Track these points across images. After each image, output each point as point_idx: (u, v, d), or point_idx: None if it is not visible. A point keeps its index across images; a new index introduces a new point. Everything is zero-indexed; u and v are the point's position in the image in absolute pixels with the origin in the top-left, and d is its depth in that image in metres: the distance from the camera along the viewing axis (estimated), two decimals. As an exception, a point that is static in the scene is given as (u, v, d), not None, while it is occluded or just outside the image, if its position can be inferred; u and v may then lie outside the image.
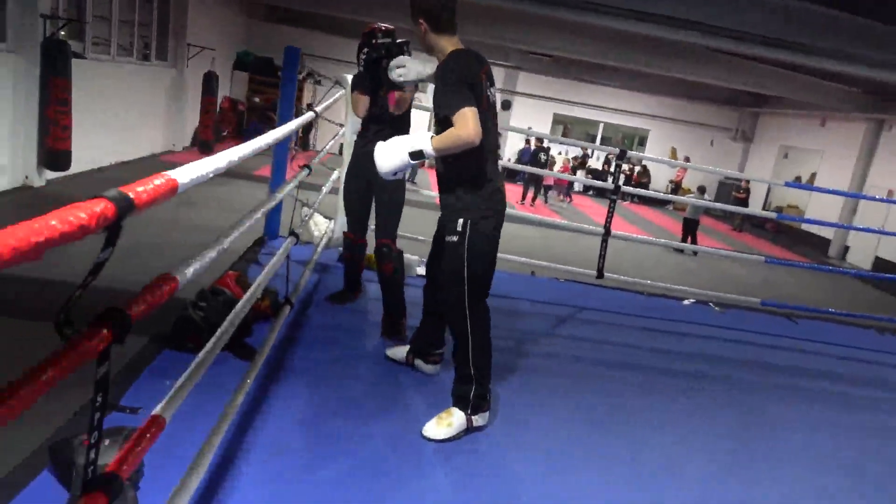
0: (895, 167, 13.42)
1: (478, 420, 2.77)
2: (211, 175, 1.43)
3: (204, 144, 12.92)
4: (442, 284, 2.81)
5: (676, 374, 3.95)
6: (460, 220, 2.62)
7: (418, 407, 2.91)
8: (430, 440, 2.65)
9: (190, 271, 1.39)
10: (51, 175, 8.02)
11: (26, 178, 7.70)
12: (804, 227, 15.54)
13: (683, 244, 6.46)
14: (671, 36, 8.21)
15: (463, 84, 2.47)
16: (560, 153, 17.98)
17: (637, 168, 18.67)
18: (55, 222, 0.81)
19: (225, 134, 14.94)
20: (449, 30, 2.64)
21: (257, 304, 3.29)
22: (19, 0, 7.21)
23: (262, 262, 4.46)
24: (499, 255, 4.95)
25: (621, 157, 4.82)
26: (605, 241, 4.88)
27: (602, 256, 4.90)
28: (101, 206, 0.92)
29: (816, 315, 5.72)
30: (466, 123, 2.42)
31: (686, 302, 5.68)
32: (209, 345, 1.75)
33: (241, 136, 16.20)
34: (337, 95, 4.38)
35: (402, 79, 2.77)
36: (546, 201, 14.96)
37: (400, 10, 11.79)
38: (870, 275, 10.05)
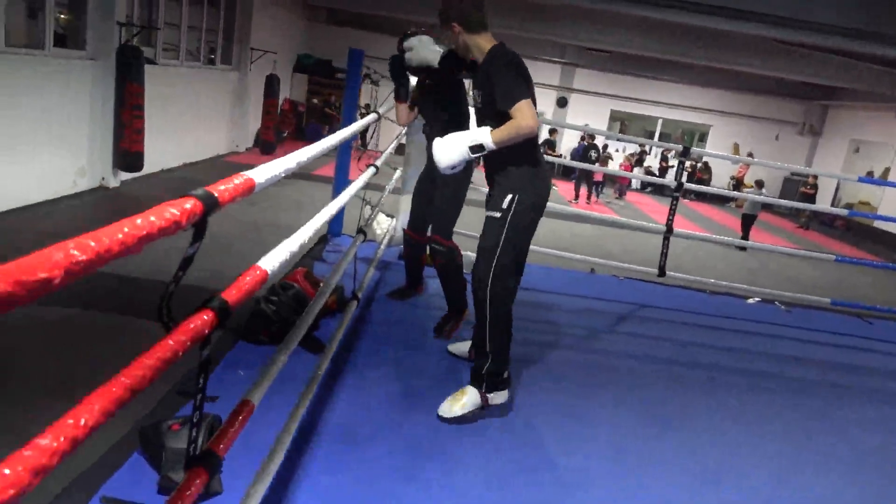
0: (978, 161, 12.70)
1: (494, 398, 2.79)
2: (283, 175, 1.52)
3: (266, 145, 13.31)
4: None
5: (742, 372, 3.88)
6: (508, 197, 2.68)
7: (488, 423, 2.96)
8: (442, 419, 2.70)
9: (276, 263, 1.48)
10: (125, 176, 8.43)
11: (102, 179, 8.11)
12: (876, 224, 14.86)
13: (745, 241, 6.30)
14: (740, 29, 8.02)
15: (518, 76, 2.55)
16: (618, 150, 17.72)
17: (698, 165, 18.22)
18: (153, 218, 0.90)
19: (285, 135, 15.33)
20: (482, 27, 2.71)
21: (324, 299, 3.39)
22: (98, 9, 7.61)
23: (326, 258, 4.60)
24: (558, 252, 4.99)
25: (685, 154, 4.75)
26: (666, 240, 4.82)
27: (664, 255, 4.84)
28: (190, 204, 1.01)
29: (892, 315, 5.49)
30: (525, 114, 2.49)
31: (751, 300, 5.55)
32: (289, 337, 1.84)
33: (301, 136, 16.61)
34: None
35: (409, 62, 3.01)
36: (598, 197, 14.80)
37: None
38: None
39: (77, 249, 0.69)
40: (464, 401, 2.75)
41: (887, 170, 15.42)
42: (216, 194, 1.06)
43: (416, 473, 2.34)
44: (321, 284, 3.41)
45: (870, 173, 15.95)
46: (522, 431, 2.77)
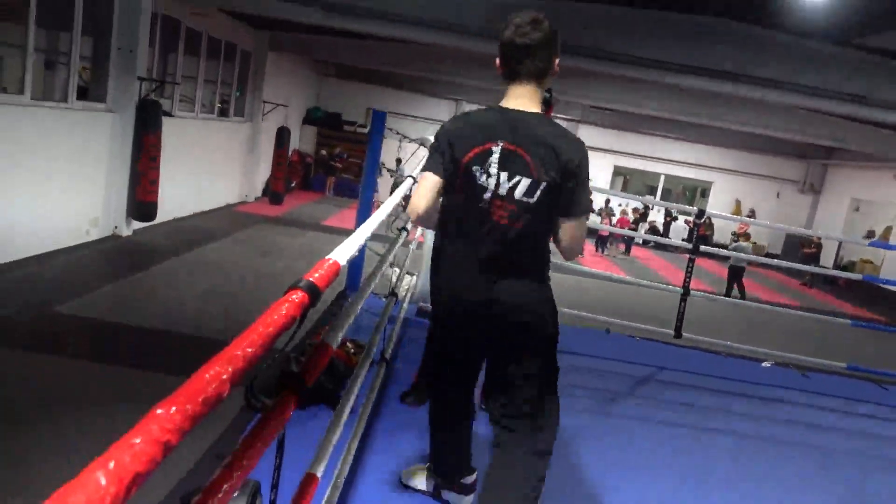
0: (979, 222, 12.84)
1: (450, 497, 2.52)
2: (356, 253, 1.55)
3: (275, 196, 13.45)
4: None
5: (765, 439, 3.85)
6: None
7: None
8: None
9: (339, 336, 1.51)
10: (137, 225, 8.51)
11: (115, 228, 8.18)
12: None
13: (766, 305, 6.35)
14: (741, 93, 8.22)
15: (437, 149, 2.05)
16: (620, 204, 17.93)
17: (703, 221, 18.39)
18: (276, 317, 0.95)
19: (293, 185, 15.51)
20: (506, 78, 2.06)
21: (350, 359, 3.40)
22: (120, 64, 7.81)
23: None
24: (573, 311, 4.99)
25: (700, 216, 4.83)
26: (683, 301, 4.84)
27: (680, 316, 4.85)
28: (298, 296, 1.06)
29: (908, 381, 5.47)
30: (416, 190, 2.06)
31: (765, 363, 5.53)
32: (340, 408, 1.85)
33: (307, 187, 16.82)
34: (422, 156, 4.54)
35: None
36: (603, 252, 14.93)
37: (464, 67, 12.30)
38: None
39: (232, 362, 0.73)
40: (417, 476, 2.59)
41: (888, 228, 15.56)
42: (315, 283, 1.10)
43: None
44: (348, 344, 3.43)
45: (871, 232, 16.10)
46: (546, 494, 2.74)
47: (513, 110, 1.97)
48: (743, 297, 10.96)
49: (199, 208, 10.78)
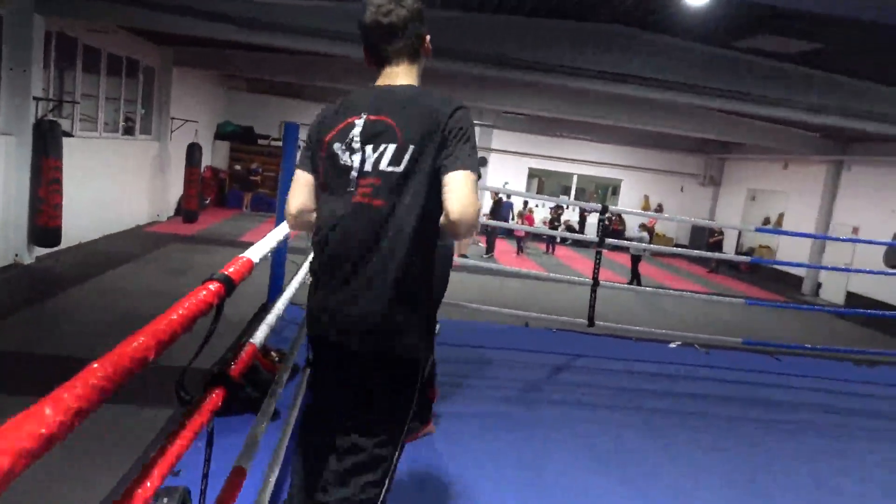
0: (857, 204, 14.04)
1: None
2: (269, 254, 1.64)
3: (188, 214, 13.10)
4: None
5: (672, 413, 4.15)
6: None
7: (448, 479, 3.05)
8: None
9: (261, 336, 1.60)
10: (40, 252, 8.13)
11: (16, 256, 7.78)
12: (776, 265, 16.04)
13: (681, 290, 6.78)
14: (639, 94, 8.72)
15: (306, 144, 1.83)
16: (537, 205, 18.47)
17: (614, 217, 19.19)
18: (194, 300, 1.03)
19: (207, 202, 15.13)
20: (377, 66, 1.83)
21: (275, 368, 3.44)
22: (13, 84, 7.46)
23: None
24: (493, 308, 5.19)
25: (604, 212, 5.12)
26: (594, 292, 5.12)
27: (592, 305, 5.13)
28: (214, 286, 1.15)
29: (797, 351, 5.98)
30: (289, 192, 1.81)
31: (672, 345, 5.91)
32: (265, 406, 1.92)
33: (223, 203, 16.45)
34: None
35: None
36: (520, 252, 15.39)
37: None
38: (846, 311, 10.36)
39: (156, 335, 0.82)
40: None
41: (781, 215, 16.75)
42: (231, 276, 1.19)
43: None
44: (272, 353, 3.47)
45: (766, 219, 17.30)
46: (468, 485, 2.88)
47: (383, 85, 1.77)
48: (638, 282, 11.66)
49: (107, 231, 10.38)
